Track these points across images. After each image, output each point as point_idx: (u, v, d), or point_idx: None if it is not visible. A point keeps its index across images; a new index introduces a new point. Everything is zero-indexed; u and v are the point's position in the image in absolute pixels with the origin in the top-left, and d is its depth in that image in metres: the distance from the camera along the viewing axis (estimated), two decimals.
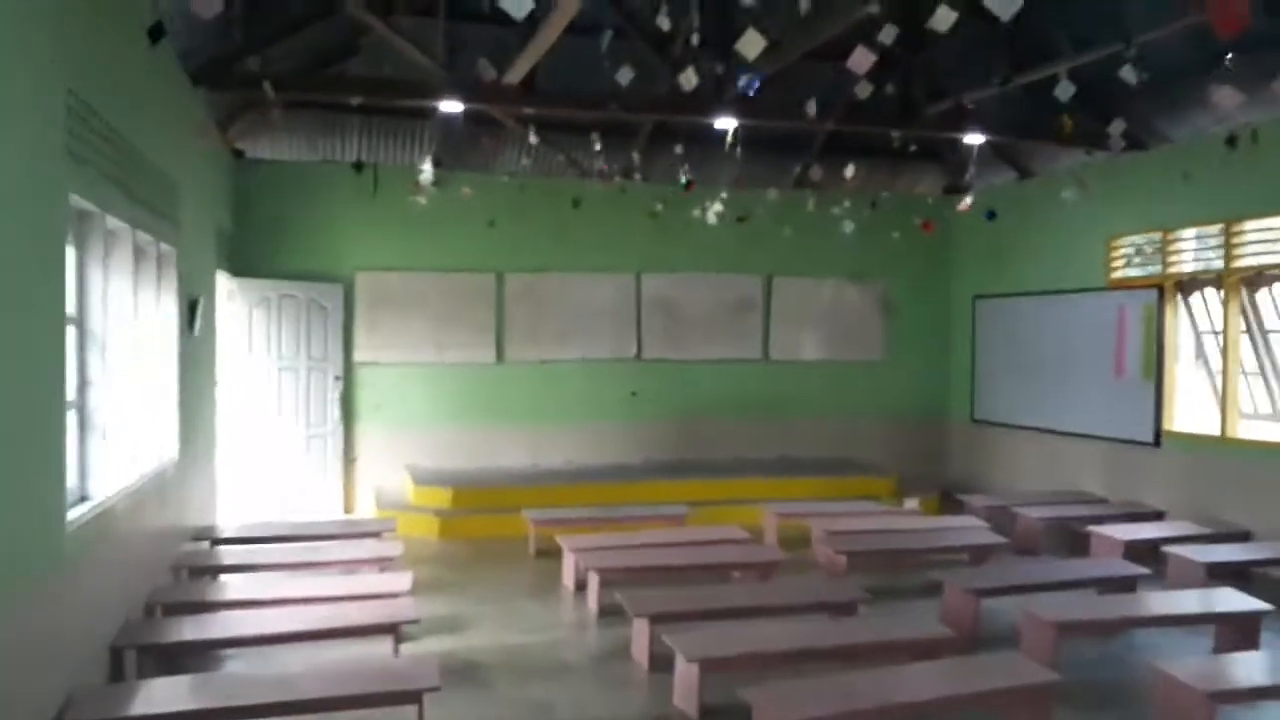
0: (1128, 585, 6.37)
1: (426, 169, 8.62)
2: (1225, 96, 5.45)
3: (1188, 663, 4.94)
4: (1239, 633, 5.61)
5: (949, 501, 10.24)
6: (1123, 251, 9.40)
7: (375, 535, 7.77)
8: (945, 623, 6.09)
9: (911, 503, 8.93)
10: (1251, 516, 7.87)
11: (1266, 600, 5.87)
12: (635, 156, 9.47)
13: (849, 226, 9.82)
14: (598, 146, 8.80)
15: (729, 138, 8.47)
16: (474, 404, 10.56)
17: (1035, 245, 10.48)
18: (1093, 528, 7.88)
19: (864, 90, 7.78)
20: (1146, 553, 7.56)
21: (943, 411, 11.93)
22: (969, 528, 7.95)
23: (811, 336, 11.48)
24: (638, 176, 9.87)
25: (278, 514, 9.35)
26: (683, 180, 8.78)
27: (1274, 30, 7.10)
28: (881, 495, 10.03)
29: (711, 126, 8.62)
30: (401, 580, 6.13)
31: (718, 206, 8.85)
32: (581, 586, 6.97)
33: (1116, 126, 7.99)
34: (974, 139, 9.05)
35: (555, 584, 7.45)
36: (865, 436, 11.48)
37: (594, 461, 10.71)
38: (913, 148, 9.38)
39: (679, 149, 8.91)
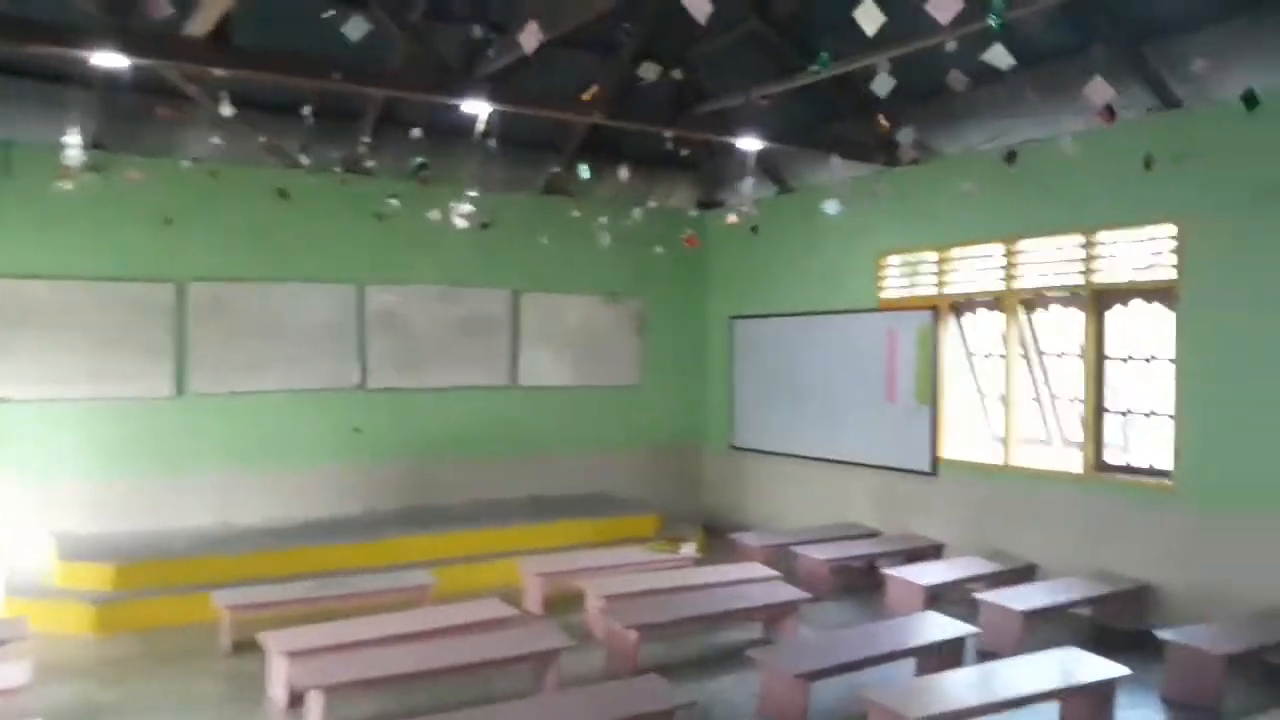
0: (956, 649, 5.61)
1: (73, 143, 6.44)
2: (1096, 89, 4.83)
3: None
4: (1094, 702, 4.96)
5: (714, 538, 9.34)
6: (893, 270, 8.95)
7: None
8: (766, 714, 5.03)
9: (688, 548, 7.89)
10: (1033, 548, 7.52)
11: (1083, 643, 5.37)
12: (361, 142, 7.75)
13: (605, 238, 8.68)
14: (310, 122, 7.01)
15: (479, 126, 7.04)
16: (145, 450, 8.27)
17: (800, 263, 9.87)
18: (888, 571, 7.20)
19: (649, 71, 6.70)
20: (946, 594, 6.99)
21: (700, 439, 11.10)
22: (761, 580, 6.98)
23: (564, 359, 10.22)
24: (369, 164, 8.13)
25: None
26: (417, 162, 7.17)
27: (1062, 42, 6.80)
28: (647, 536, 8.96)
29: (456, 112, 7.15)
30: None
31: (466, 207, 7.36)
32: (298, 701, 5.21)
33: (906, 135, 7.44)
34: (748, 144, 8.20)
35: (258, 696, 5.61)
36: (621, 468, 10.38)
37: (308, 516, 8.78)
38: (684, 152, 8.40)
39: (416, 134, 7.34)
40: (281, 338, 8.82)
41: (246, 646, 6.14)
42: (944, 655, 5.54)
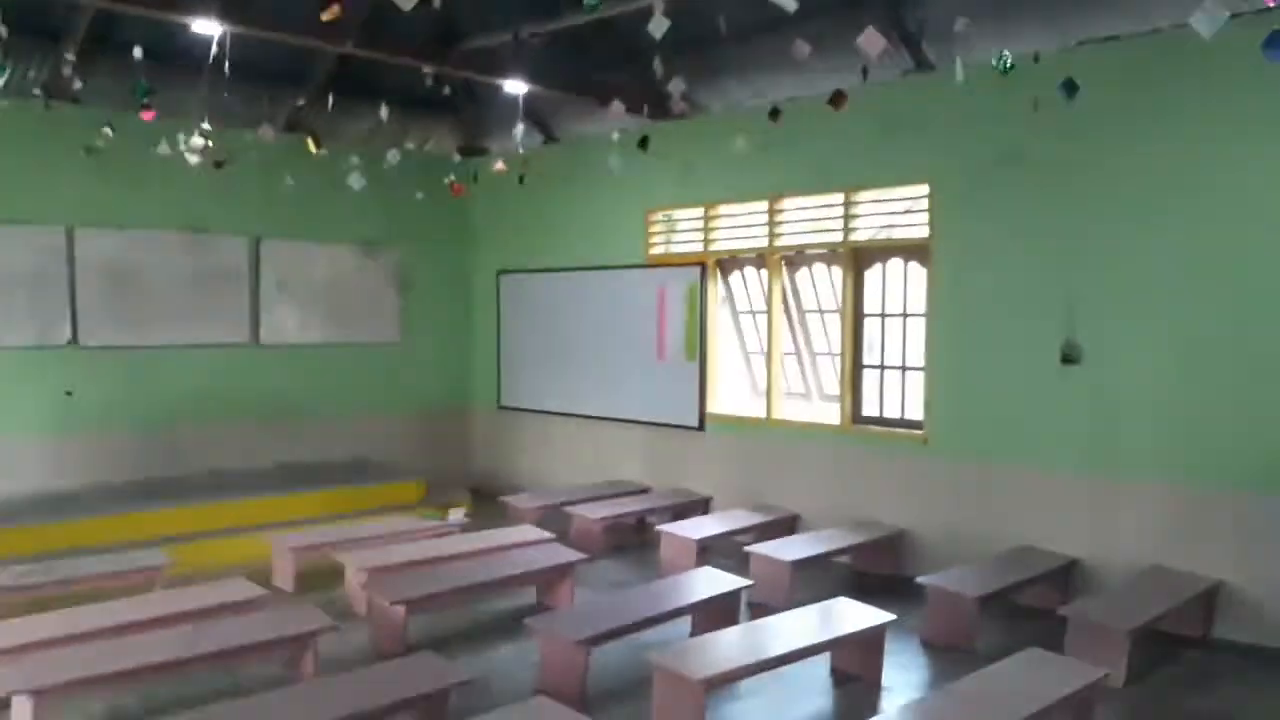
0: (731, 603, 5.61)
1: None
2: (869, 39, 4.79)
3: None
4: (864, 649, 5.11)
5: (485, 502, 8.99)
6: (662, 226, 8.88)
7: None
8: (547, 684, 4.80)
9: (456, 513, 7.50)
10: (796, 500, 7.76)
11: (846, 591, 5.53)
12: (67, 62, 6.65)
13: (358, 182, 7.97)
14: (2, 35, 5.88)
15: (213, 50, 6.20)
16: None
17: (569, 217, 9.61)
18: (660, 527, 7.17)
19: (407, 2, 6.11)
20: (716, 547, 7.06)
21: (467, 399, 10.66)
22: (534, 543, 6.73)
23: (314, 314, 9.42)
24: (76, 88, 6.99)
25: None
26: (139, 85, 6.20)
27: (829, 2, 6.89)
28: (411, 503, 8.48)
29: (185, 33, 6.27)
30: None
31: (198, 140, 6.47)
32: (5, 707, 4.41)
33: (676, 85, 7.28)
34: (515, 87, 7.81)
35: None
36: (382, 432, 9.77)
37: (14, 492, 7.59)
38: (446, 90, 7.86)
39: (137, 56, 6.35)
40: None
41: None
42: (719, 610, 5.54)
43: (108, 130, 6.68)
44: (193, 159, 6.52)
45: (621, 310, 9.07)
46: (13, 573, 5.67)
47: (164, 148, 6.79)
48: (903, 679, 5.22)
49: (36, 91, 7.00)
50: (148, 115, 6.74)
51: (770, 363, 8.11)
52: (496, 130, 10.09)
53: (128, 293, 8.26)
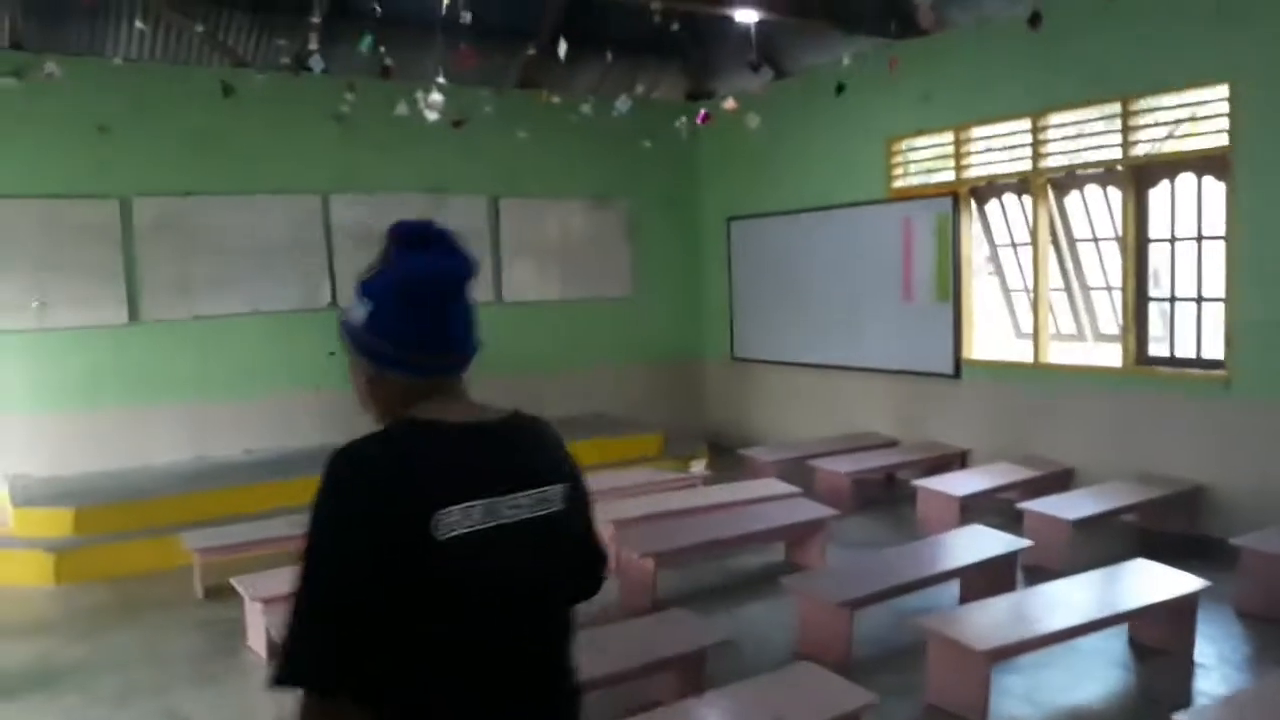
0: (1005, 566, 5.07)
1: None
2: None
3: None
4: (1171, 619, 4.45)
5: (721, 455, 8.76)
6: (906, 156, 8.22)
7: None
8: (806, 647, 4.50)
9: (698, 465, 7.32)
10: (1070, 452, 6.99)
11: (1133, 552, 4.84)
12: (312, 26, 6.87)
13: (588, 133, 7.85)
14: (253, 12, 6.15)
15: (442, 10, 6.19)
16: (104, 381, 7.57)
17: (801, 155, 9.12)
18: (918, 482, 6.65)
19: None
20: (979, 505, 6.47)
21: (698, 351, 10.45)
22: (781, 497, 6.42)
23: (550, 271, 9.49)
24: (315, 63, 7.26)
25: None
26: (368, 40, 6.30)
27: None
28: (651, 456, 8.39)
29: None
30: None
31: (436, 96, 6.53)
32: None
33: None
34: (745, 16, 7.39)
35: (236, 647, 5.04)
36: (617, 386, 9.75)
37: (286, 447, 8.13)
38: (675, 26, 7.56)
39: (374, 16, 6.46)
40: (243, 255, 8.04)
41: (222, 592, 5.55)
42: (992, 574, 5.01)
43: (350, 95, 6.88)
44: (431, 115, 6.58)
45: (862, 251, 8.50)
46: (284, 523, 5.97)
47: (403, 108, 6.92)
48: (1216, 654, 4.52)
49: (285, 60, 7.29)
50: (388, 74, 6.90)
51: (1036, 301, 7.32)
52: (723, 71, 9.73)
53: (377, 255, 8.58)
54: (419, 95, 6.66)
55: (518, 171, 9.15)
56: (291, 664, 1.35)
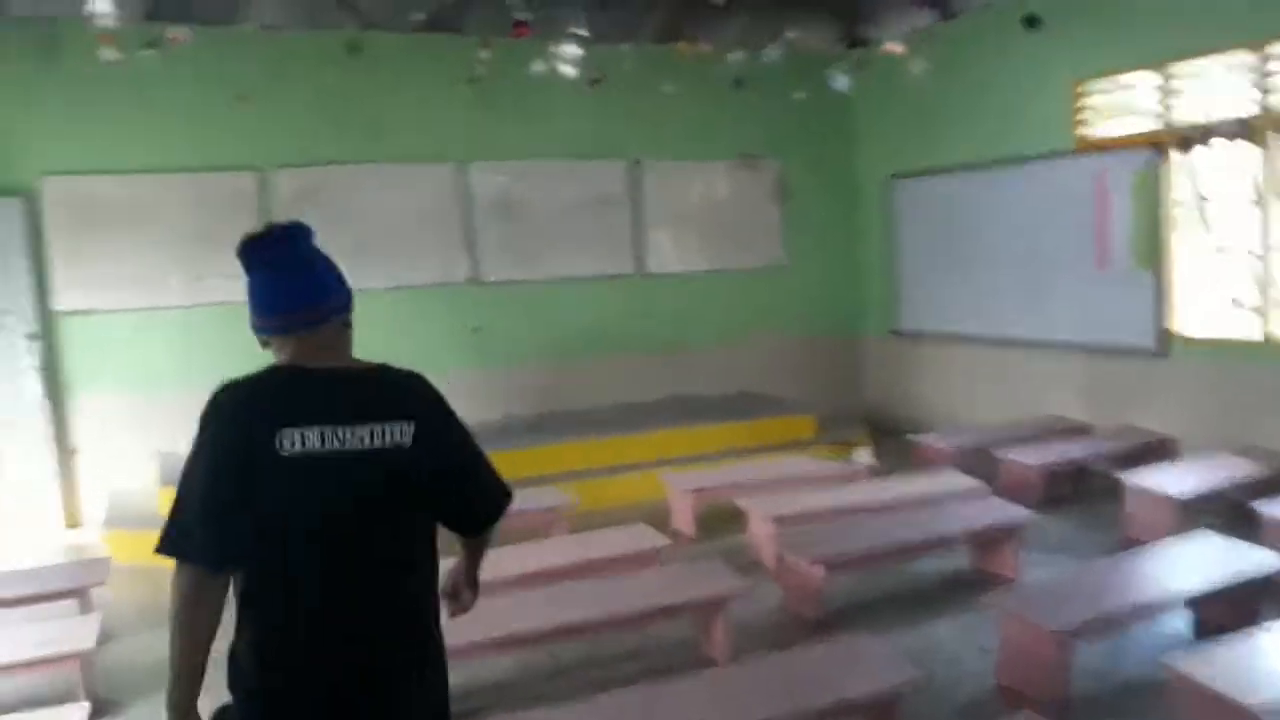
0: (1257, 590, 4.22)
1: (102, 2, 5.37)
2: None
3: None
4: None
5: (882, 439, 8.01)
6: (1098, 100, 7.22)
7: (65, 595, 4.80)
8: (1010, 680, 3.82)
9: (862, 454, 6.63)
10: None
11: None
12: None
13: (739, 84, 7.16)
14: None
15: None
16: (253, 359, 7.44)
17: (970, 106, 8.20)
18: (1127, 478, 5.76)
19: None
20: (1199, 505, 5.56)
21: (856, 324, 9.68)
22: (964, 493, 5.69)
23: (694, 239, 8.90)
24: (455, 19, 6.86)
25: None
26: None
27: None
28: (804, 439, 7.75)
29: None
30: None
31: (573, 48, 6.02)
32: None
33: None
34: None
35: None
36: (766, 363, 9.10)
37: None
38: None
39: None
40: (380, 227, 7.78)
41: None
42: (1237, 600, 4.18)
43: (484, 54, 6.46)
44: (569, 71, 6.08)
45: (1047, 210, 7.56)
46: None
47: (539, 65, 6.46)
48: None
49: (419, 15, 6.91)
50: (522, 32, 6.44)
51: (1265, 266, 6.28)
52: (881, 15, 8.85)
53: (519, 226, 8.22)
54: (556, 51, 6.17)
55: (659, 132, 8.58)
56: (165, 539, 1.84)
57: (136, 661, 4.49)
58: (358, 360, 2.04)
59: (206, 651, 1.83)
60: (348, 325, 2.06)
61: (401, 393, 2.00)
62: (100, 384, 7.01)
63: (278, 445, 1.83)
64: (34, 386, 6.88)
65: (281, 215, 7.41)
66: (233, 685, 1.91)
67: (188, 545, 1.81)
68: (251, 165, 7.36)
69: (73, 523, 6.96)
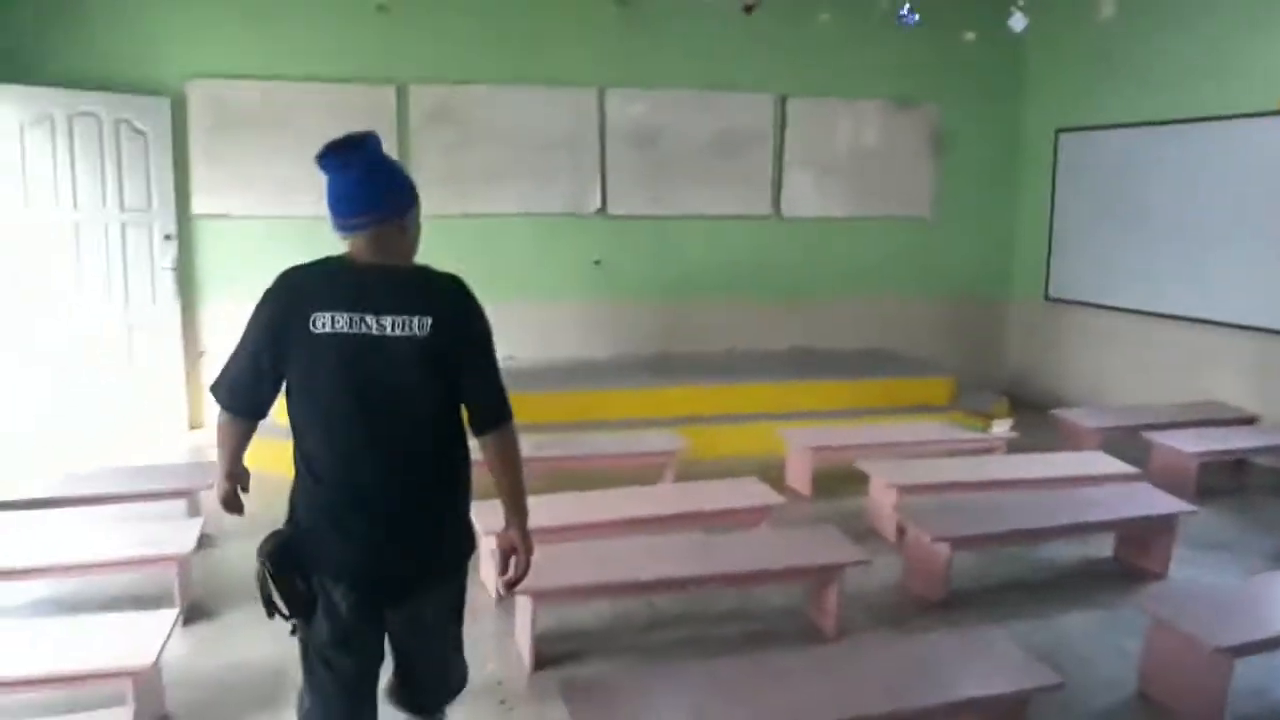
0: None
1: None
2: None
3: None
4: None
5: (1022, 412, 7.46)
6: None
7: (175, 495, 4.87)
8: (1155, 692, 3.42)
9: (1002, 425, 6.15)
10: None
11: None
12: None
13: (1019, 23, 6.49)
14: None
15: None
16: None
17: (1159, 54, 7.39)
18: None
19: None
20: None
21: (1006, 286, 9.03)
22: (1113, 477, 5.20)
23: (838, 183, 8.41)
24: None
25: (86, 441, 6.41)
26: None
27: None
28: (938, 405, 7.29)
29: None
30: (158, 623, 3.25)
31: None
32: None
33: None
34: None
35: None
36: (904, 320, 8.60)
37: (544, 357, 7.74)
38: None
39: None
40: (515, 151, 7.60)
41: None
42: None
43: None
44: None
45: (1238, 177, 6.79)
46: (534, 443, 5.52)
47: None
48: None
49: None
50: None
51: None
52: None
53: (652, 158, 7.91)
54: None
55: (811, 67, 8.08)
56: (214, 385, 2.34)
57: (235, 567, 4.52)
58: (404, 262, 2.31)
59: (237, 455, 2.43)
60: (404, 230, 2.30)
61: (429, 292, 2.25)
62: (230, 289, 7.11)
63: (311, 324, 2.16)
64: (168, 287, 7.03)
65: (418, 131, 7.37)
66: (289, 511, 2.35)
67: (224, 394, 2.31)
68: (389, 78, 7.27)
69: (197, 423, 7.15)
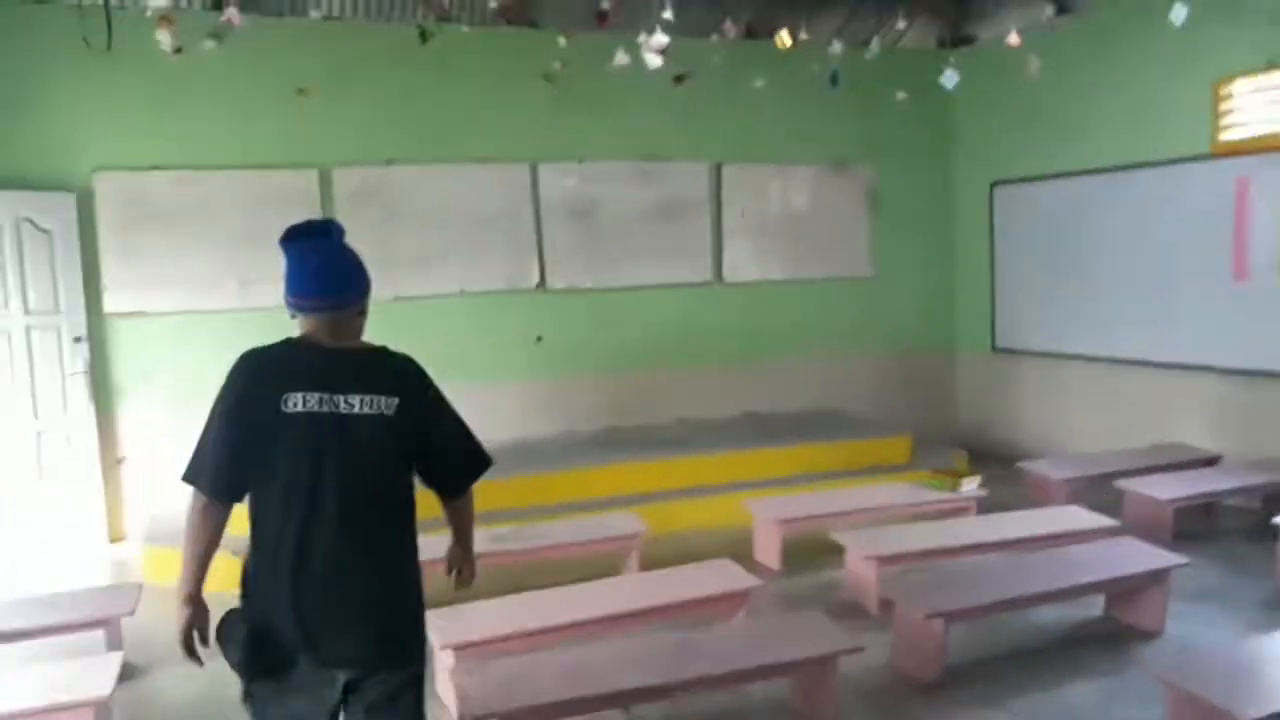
0: None
1: None
2: None
3: None
4: None
5: (981, 466, 7.27)
6: (1244, 101, 6.47)
7: (91, 626, 4.37)
8: None
9: (970, 484, 5.95)
10: None
11: None
12: None
13: (837, 82, 6.60)
14: None
15: None
16: None
17: (1088, 106, 7.48)
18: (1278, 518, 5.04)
19: None
20: None
21: (951, 339, 8.97)
22: (1094, 532, 5.01)
23: (778, 246, 8.29)
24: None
25: None
26: None
27: None
28: (897, 464, 7.10)
29: None
30: None
31: (660, 38, 5.50)
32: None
33: None
34: None
35: None
36: (853, 379, 8.45)
37: (487, 440, 7.29)
38: None
39: None
40: (447, 231, 7.34)
41: None
42: None
43: (562, 40, 5.99)
44: (654, 61, 5.57)
45: (1174, 219, 6.83)
46: (491, 535, 5.15)
47: (621, 57, 5.97)
48: None
49: (493, 3, 6.47)
50: (603, 23, 5.98)
51: None
52: (991, 10, 8.20)
53: (590, 230, 7.71)
54: (640, 39, 5.65)
55: (744, 134, 8.02)
56: (188, 469, 2.29)
57: (167, 702, 4.04)
58: (364, 343, 2.42)
59: (209, 554, 2.28)
60: (362, 313, 2.41)
61: (392, 373, 2.37)
62: (148, 390, 6.65)
63: (282, 404, 2.23)
64: (81, 391, 6.55)
65: (342, 215, 7.01)
66: (241, 590, 2.31)
67: (201, 476, 2.25)
68: (310, 162, 6.97)
69: (117, 536, 6.61)
